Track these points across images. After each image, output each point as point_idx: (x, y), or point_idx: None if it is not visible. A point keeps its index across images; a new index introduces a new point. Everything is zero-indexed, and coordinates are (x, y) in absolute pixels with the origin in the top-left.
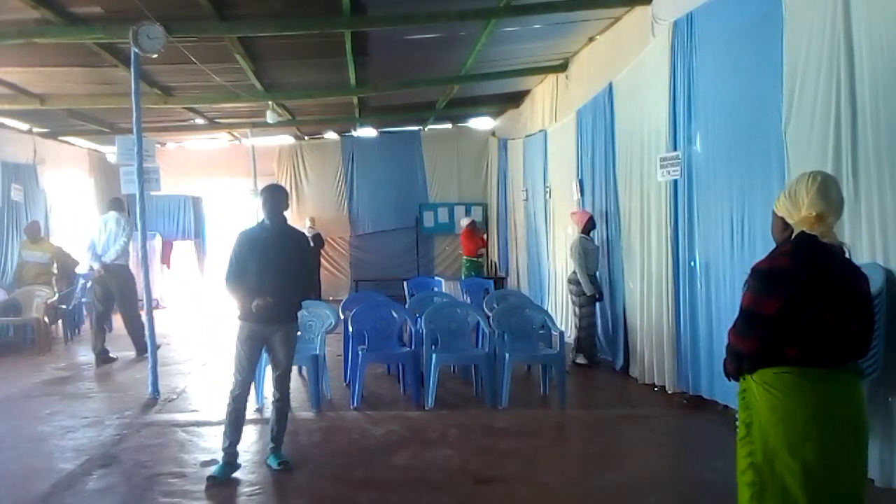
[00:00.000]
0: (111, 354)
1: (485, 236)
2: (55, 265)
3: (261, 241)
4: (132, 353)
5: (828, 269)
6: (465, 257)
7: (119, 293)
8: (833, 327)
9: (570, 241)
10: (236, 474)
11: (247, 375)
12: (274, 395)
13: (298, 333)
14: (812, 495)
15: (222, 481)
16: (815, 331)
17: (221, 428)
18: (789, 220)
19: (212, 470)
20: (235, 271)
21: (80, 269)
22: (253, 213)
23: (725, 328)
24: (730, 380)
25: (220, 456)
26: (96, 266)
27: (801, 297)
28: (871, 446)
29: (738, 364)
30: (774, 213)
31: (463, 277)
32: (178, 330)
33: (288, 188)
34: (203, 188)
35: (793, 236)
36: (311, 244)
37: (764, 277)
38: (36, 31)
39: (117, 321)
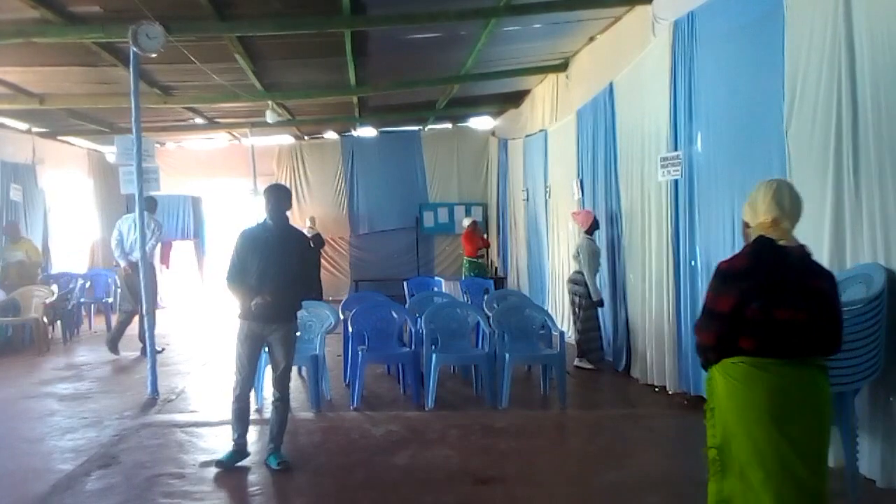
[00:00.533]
0: (118, 354)
1: (485, 236)
2: (33, 262)
3: (262, 241)
4: (135, 353)
5: (783, 268)
6: (465, 258)
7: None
8: (787, 322)
9: (575, 241)
10: (236, 474)
11: (247, 374)
12: (273, 396)
13: (298, 334)
14: (767, 475)
15: (229, 467)
16: (769, 325)
17: (221, 428)
18: (751, 224)
19: (220, 455)
20: (237, 270)
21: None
22: (252, 213)
23: None
24: (705, 370)
25: (230, 447)
26: (123, 263)
27: (756, 294)
28: (872, 447)
29: (704, 355)
30: (743, 219)
31: (464, 278)
32: (178, 330)
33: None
34: (202, 188)
35: (752, 239)
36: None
37: (722, 276)
38: (35, 30)
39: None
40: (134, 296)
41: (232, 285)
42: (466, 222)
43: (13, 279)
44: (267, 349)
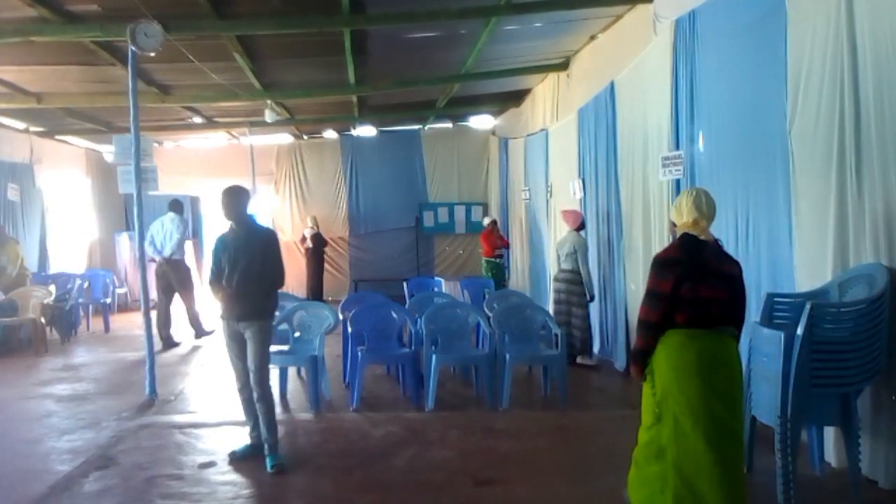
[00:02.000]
0: (175, 340)
1: (504, 237)
2: (13, 269)
3: (230, 245)
4: (134, 354)
5: (703, 257)
6: (484, 258)
7: (178, 284)
8: (710, 299)
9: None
10: (236, 474)
11: (239, 369)
12: (255, 395)
13: (284, 326)
14: (695, 421)
15: (239, 459)
16: (696, 302)
17: (219, 429)
18: (677, 224)
19: (234, 448)
20: (215, 273)
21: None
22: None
23: None
24: (645, 347)
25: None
26: (158, 259)
27: (685, 278)
28: (875, 447)
29: (647, 332)
30: (670, 219)
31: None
32: (177, 330)
33: (287, 188)
34: (201, 188)
35: (679, 235)
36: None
37: (660, 265)
38: (33, 29)
39: (114, 322)
40: (166, 291)
41: (211, 288)
42: (486, 221)
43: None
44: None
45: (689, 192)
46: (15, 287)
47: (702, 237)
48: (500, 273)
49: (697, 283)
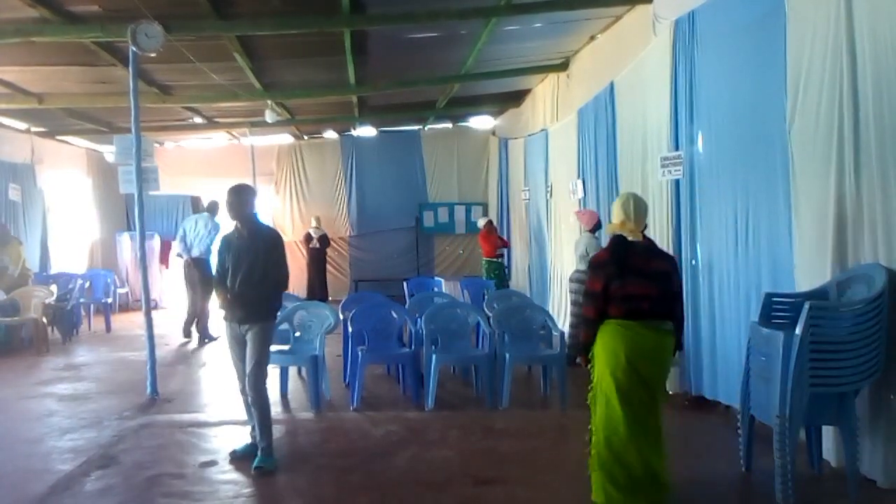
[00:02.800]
0: (213, 334)
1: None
2: (16, 269)
3: (233, 245)
4: (135, 354)
5: (631, 256)
6: (484, 259)
7: (200, 283)
8: (639, 296)
9: (576, 240)
10: (237, 473)
11: (240, 370)
12: (249, 397)
13: (285, 326)
14: (621, 400)
15: (240, 457)
16: (625, 297)
17: (221, 429)
18: (614, 224)
19: (235, 447)
20: (219, 274)
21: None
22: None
23: (728, 328)
24: (586, 340)
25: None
26: (185, 257)
27: (613, 278)
28: (873, 447)
29: (588, 326)
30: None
31: (484, 279)
32: (177, 330)
33: (287, 188)
34: (201, 188)
35: (610, 237)
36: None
37: (593, 266)
38: (34, 29)
39: (116, 322)
40: (192, 288)
41: (216, 289)
42: (483, 222)
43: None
44: None
45: (619, 197)
46: (17, 287)
47: (630, 238)
48: (501, 273)
49: (625, 281)
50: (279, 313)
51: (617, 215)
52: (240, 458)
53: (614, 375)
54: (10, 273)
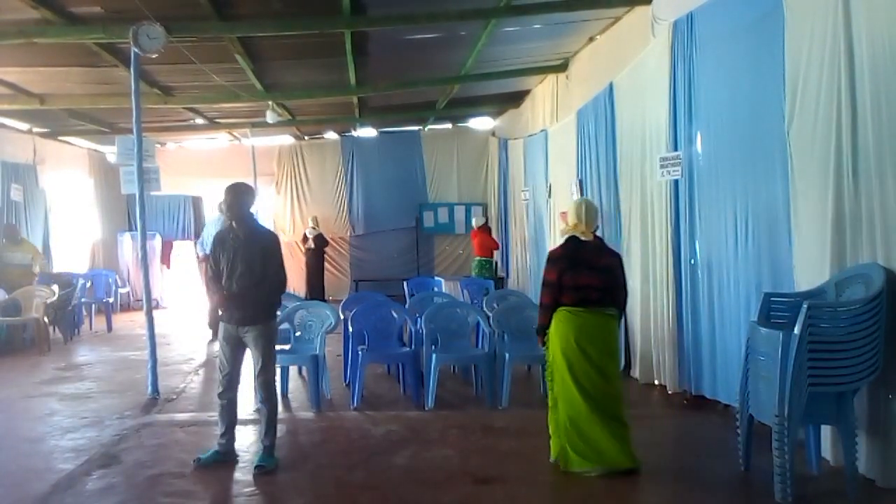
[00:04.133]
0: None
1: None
2: (36, 266)
3: (228, 244)
4: (136, 353)
5: (582, 253)
6: (477, 258)
7: None
8: (588, 286)
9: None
10: (238, 472)
11: (227, 373)
12: (259, 397)
13: (286, 326)
14: (574, 378)
15: (206, 465)
16: (577, 287)
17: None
18: (568, 227)
19: (200, 455)
20: (213, 274)
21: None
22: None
23: (728, 327)
24: (544, 323)
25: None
26: (201, 254)
27: (567, 269)
28: (871, 446)
29: (544, 311)
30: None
31: (474, 276)
32: (178, 330)
33: (288, 188)
34: (203, 188)
35: (565, 236)
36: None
37: (549, 259)
38: (36, 30)
39: (117, 322)
40: None
41: (210, 289)
42: (479, 221)
43: (12, 281)
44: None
45: (574, 203)
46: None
47: (583, 238)
48: (492, 271)
49: (577, 273)
50: (279, 313)
51: (571, 219)
52: (204, 467)
53: (565, 355)
54: (30, 269)
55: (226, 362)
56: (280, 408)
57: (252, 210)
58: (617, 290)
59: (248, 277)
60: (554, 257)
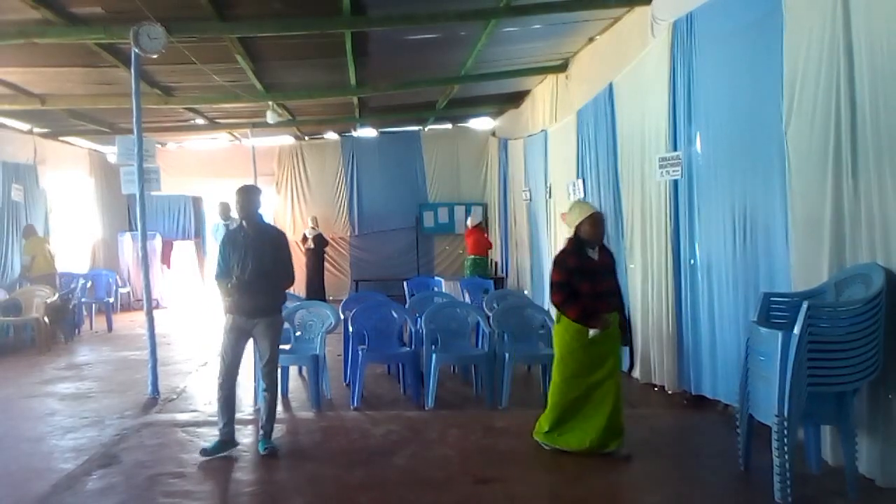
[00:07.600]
0: None
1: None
2: (32, 266)
3: (239, 242)
4: (136, 353)
5: (585, 254)
6: (472, 256)
7: None
8: (608, 291)
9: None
10: (238, 472)
11: (229, 363)
12: (263, 386)
13: (286, 326)
14: (580, 376)
15: (212, 455)
16: (597, 294)
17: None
18: (570, 228)
19: (205, 444)
20: (221, 270)
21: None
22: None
23: (727, 327)
24: (587, 320)
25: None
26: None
27: (575, 271)
28: (871, 446)
29: (570, 303)
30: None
31: (468, 275)
32: (178, 330)
33: (288, 188)
34: (203, 188)
35: (572, 237)
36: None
37: (556, 262)
38: (36, 31)
39: (117, 321)
40: None
41: (218, 283)
42: (475, 221)
43: (39, 270)
44: (254, 342)
45: (574, 205)
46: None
47: (585, 238)
48: (485, 272)
49: (583, 275)
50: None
51: (572, 220)
52: (211, 455)
53: (574, 356)
54: (39, 265)
55: (229, 351)
56: (280, 408)
57: (260, 210)
58: (616, 289)
59: (259, 270)
60: (560, 259)
